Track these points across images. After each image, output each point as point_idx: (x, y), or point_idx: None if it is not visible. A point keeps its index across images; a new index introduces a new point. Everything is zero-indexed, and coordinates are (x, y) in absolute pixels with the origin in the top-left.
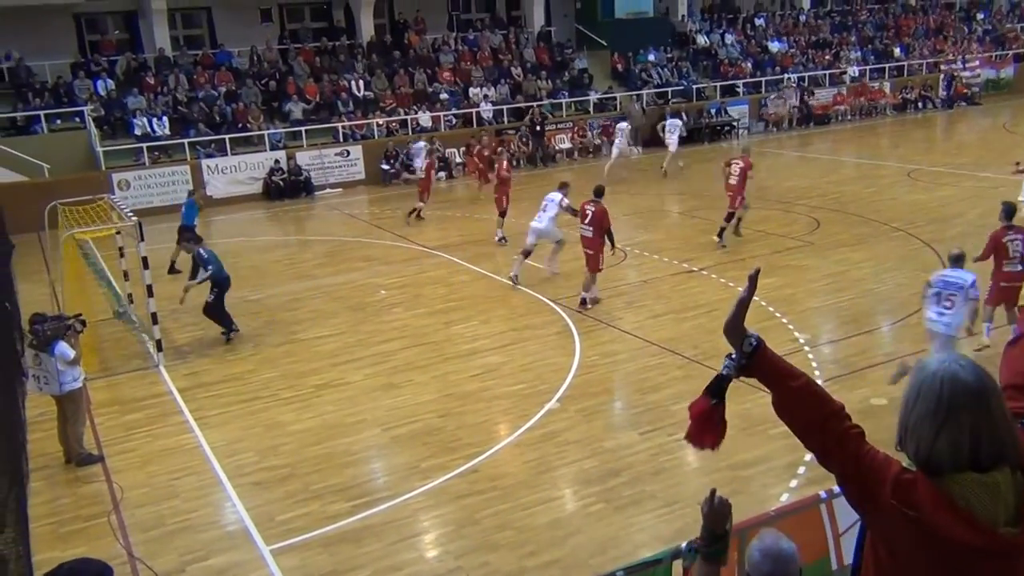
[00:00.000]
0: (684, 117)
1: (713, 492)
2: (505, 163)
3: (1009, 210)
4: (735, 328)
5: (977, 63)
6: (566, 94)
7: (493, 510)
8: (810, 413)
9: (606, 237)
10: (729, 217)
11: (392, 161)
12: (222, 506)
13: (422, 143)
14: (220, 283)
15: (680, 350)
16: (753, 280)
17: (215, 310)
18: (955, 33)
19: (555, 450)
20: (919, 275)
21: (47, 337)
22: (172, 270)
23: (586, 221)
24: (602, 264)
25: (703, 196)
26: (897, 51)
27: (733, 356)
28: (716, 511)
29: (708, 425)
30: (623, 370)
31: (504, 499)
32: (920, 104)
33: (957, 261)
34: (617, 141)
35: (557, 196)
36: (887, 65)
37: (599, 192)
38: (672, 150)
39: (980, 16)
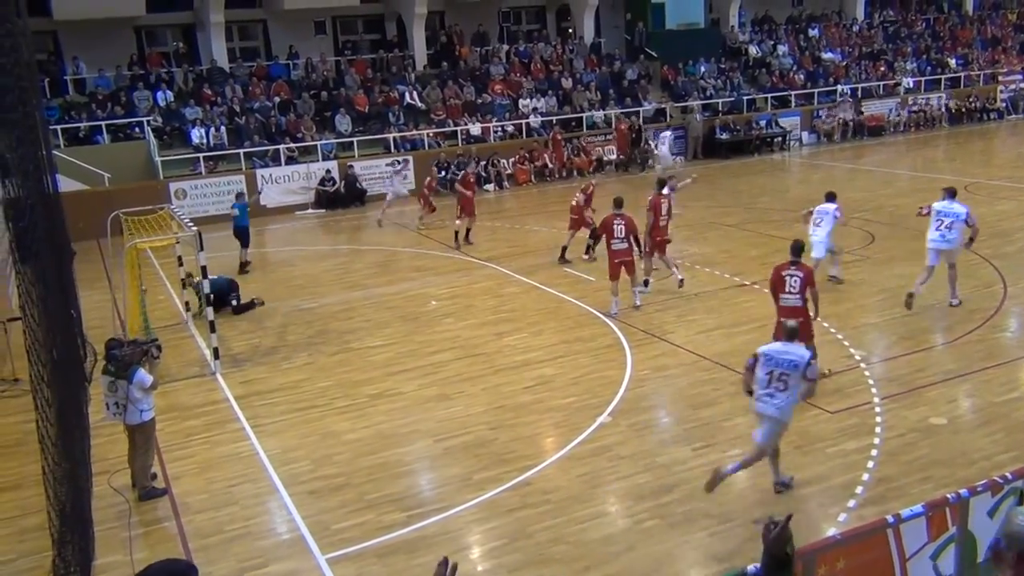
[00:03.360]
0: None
1: (771, 520)
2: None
3: None
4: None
5: None
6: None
7: (546, 524)
8: None
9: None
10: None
11: (444, 171)
12: (279, 514)
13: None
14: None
15: (732, 365)
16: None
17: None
18: (1015, 44)
19: (607, 464)
20: (978, 291)
21: (126, 363)
22: (243, 270)
23: (618, 235)
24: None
25: (753, 209)
26: (952, 62)
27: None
28: (778, 536)
29: None
30: (675, 385)
31: (557, 513)
32: (983, 116)
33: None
34: (662, 149)
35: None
36: (942, 76)
37: (620, 203)
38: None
39: None
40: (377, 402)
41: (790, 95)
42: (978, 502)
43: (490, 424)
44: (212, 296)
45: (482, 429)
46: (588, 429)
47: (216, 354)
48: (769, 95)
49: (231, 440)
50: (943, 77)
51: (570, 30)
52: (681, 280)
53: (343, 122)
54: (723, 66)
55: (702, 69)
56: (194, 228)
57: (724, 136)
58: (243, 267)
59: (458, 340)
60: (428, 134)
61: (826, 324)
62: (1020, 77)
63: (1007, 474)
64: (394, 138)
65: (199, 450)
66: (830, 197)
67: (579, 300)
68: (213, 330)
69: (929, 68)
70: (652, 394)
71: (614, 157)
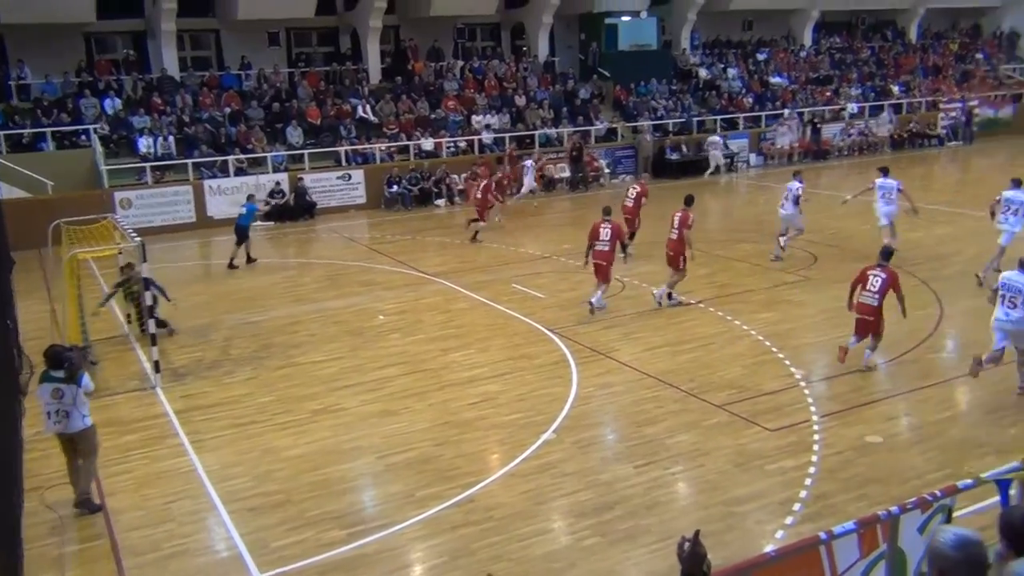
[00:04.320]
0: (684, 149)
1: (684, 538)
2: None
3: None
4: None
5: (976, 102)
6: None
7: (488, 541)
8: None
9: (620, 249)
10: (631, 236)
11: (396, 185)
12: (216, 531)
13: (530, 161)
14: None
15: (676, 383)
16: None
17: None
18: (955, 73)
19: (551, 481)
20: (914, 312)
21: (76, 366)
22: (231, 265)
23: (603, 237)
24: (611, 277)
25: (700, 228)
26: (896, 89)
27: None
28: (692, 553)
29: None
30: (619, 402)
31: (499, 530)
32: (926, 142)
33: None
34: (715, 153)
35: (796, 185)
36: (886, 102)
37: (608, 211)
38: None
39: (980, 56)
40: (320, 417)
41: (739, 117)
42: (908, 519)
43: (434, 440)
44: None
45: (426, 445)
46: (532, 446)
47: (157, 367)
48: (719, 117)
49: (169, 456)
50: (887, 103)
51: (524, 48)
52: (659, 304)
53: (294, 134)
54: (674, 87)
55: (653, 90)
56: (138, 239)
57: (674, 156)
58: (237, 263)
59: (404, 355)
60: (380, 148)
61: (768, 343)
62: (960, 105)
63: (936, 492)
64: (346, 151)
65: (136, 466)
66: (884, 171)
67: (527, 317)
68: (154, 343)
69: (873, 94)
70: (597, 411)
71: (566, 175)
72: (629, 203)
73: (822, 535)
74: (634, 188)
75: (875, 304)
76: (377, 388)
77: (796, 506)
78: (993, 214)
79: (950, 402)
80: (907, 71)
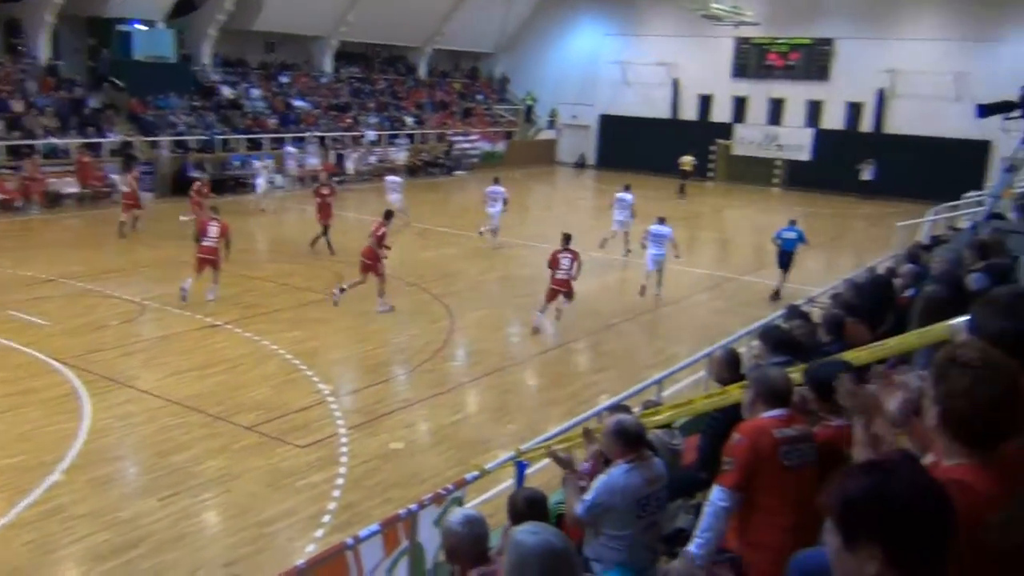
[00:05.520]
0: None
1: None
2: None
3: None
4: None
5: (476, 137)
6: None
7: None
8: None
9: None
10: (325, 231)
11: None
12: None
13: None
14: None
15: (204, 407)
16: None
17: None
18: (459, 109)
19: (61, 527)
20: (429, 326)
21: None
22: None
23: (211, 234)
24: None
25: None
26: (409, 120)
27: None
28: None
29: None
30: (141, 433)
31: None
32: (436, 170)
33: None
34: (258, 180)
35: (629, 197)
36: (401, 132)
37: (216, 210)
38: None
39: (479, 97)
40: None
41: (263, 138)
42: (425, 514)
43: None
44: None
45: None
46: (37, 490)
47: None
48: (243, 136)
49: None
50: (402, 132)
51: (21, 48)
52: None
53: None
54: (195, 103)
55: (172, 104)
56: None
57: (195, 174)
58: None
59: None
60: None
61: (296, 362)
62: (463, 139)
63: (449, 486)
64: None
65: None
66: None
67: (28, 347)
68: None
69: (389, 124)
70: (115, 445)
71: (75, 190)
72: (319, 200)
73: (348, 541)
74: (324, 188)
75: (567, 278)
76: None
77: (326, 518)
78: (644, 246)
79: (461, 405)
80: (418, 104)
